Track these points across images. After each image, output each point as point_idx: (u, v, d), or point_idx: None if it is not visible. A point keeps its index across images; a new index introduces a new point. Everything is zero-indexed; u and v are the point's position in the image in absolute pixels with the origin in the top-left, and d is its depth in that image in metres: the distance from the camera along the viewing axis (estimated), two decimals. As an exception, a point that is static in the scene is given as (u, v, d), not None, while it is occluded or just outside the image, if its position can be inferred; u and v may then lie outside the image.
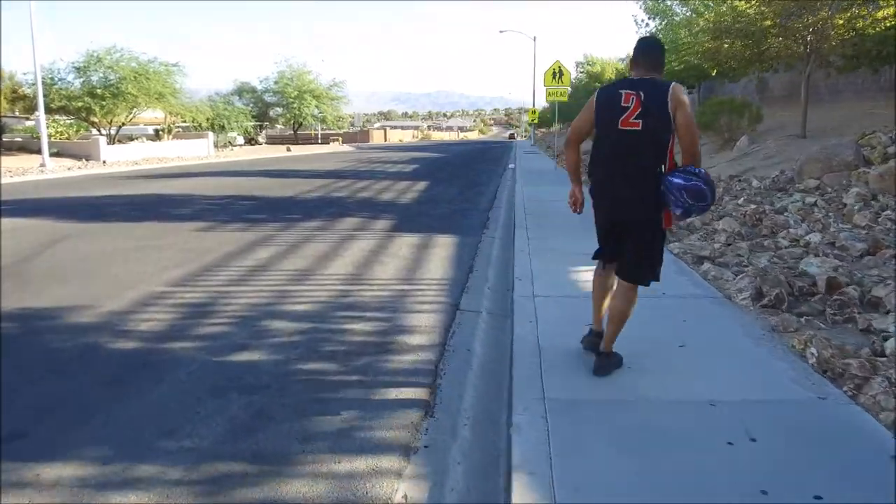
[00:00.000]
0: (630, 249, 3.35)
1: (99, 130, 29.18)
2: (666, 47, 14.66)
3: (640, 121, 3.09)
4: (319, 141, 58.31)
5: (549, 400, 3.14)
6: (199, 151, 33.00)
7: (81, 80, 27.89)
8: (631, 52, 3.33)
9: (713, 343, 3.99)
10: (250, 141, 49.95)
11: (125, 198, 12.67)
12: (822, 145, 9.13)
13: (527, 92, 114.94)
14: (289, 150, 42.49)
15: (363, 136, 70.76)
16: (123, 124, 29.77)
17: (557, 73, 20.61)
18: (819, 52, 12.25)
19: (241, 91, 53.27)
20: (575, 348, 3.84)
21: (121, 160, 26.71)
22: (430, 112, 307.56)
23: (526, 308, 4.70)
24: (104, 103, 26.43)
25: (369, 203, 12.05)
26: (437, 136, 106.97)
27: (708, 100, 16.60)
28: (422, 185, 15.88)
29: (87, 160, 25.68)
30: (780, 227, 6.93)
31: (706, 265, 5.95)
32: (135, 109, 28.56)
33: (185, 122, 34.92)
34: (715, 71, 15.18)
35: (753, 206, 7.77)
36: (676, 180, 3.08)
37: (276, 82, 51.38)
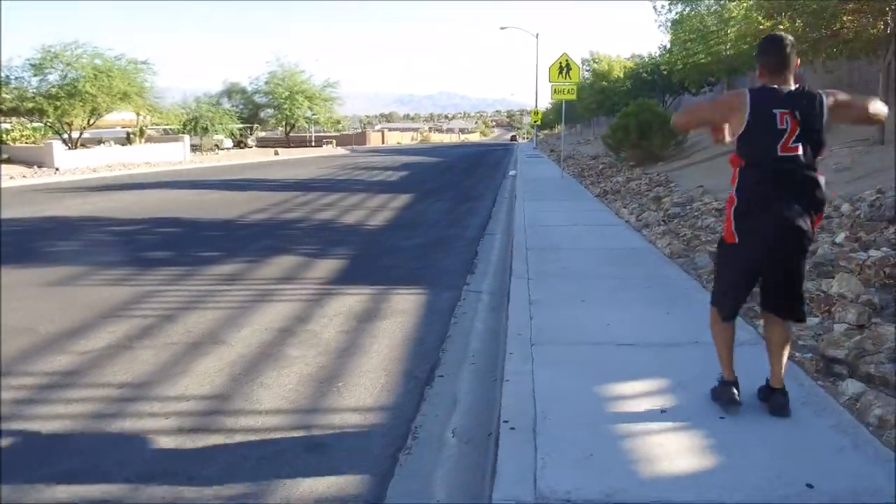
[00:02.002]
0: (784, 279, 2.76)
1: (59, 133, 26.55)
2: (692, 36, 11.41)
3: (799, 144, 2.58)
4: (313, 143, 55.69)
5: None
6: (173, 156, 30.31)
7: (38, 78, 25.27)
8: (760, 54, 2.73)
9: None
10: (239, 144, 47.33)
11: (8, 223, 9.91)
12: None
13: (529, 93, 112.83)
14: (276, 153, 39.89)
15: (360, 138, 68.13)
16: (85, 127, 27.08)
17: (564, 68, 17.83)
18: (902, 33, 9.51)
19: (230, 92, 50.70)
20: None
21: (79, 167, 24.07)
22: (431, 114, 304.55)
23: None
24: (58, 104, 23.73)
25: (325, 229, 9.33)
26: (437, 137, 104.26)
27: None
28: (404, 199, 13.17)
29: (38, 167, 23.04)
30: (942, 296, 4.20)
31: (848, 385, 3.25)
32: (96, 111, 25.84)
33: (156, 124, 32.27)
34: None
35: (878, 255, 5.02)
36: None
37: (266, 83, 48.84)
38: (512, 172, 20.90)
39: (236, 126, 43.65)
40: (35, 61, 25.12)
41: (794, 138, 2.57)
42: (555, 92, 18.28)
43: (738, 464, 2.52)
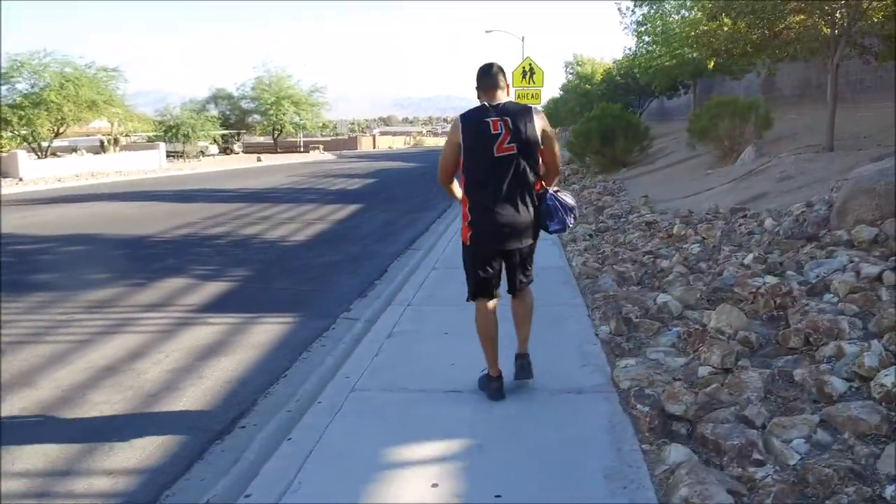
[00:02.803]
0: (519, 266, 3.30)
1: (29, 143, 26.20)
2: (656, 39, 10.98)
3: (514, 144, 3.06)
4: (301, 149, 55.32)
5: None
6: (148, 164, 29.95)
7: (6, 87, 24.97)
8: (477, 80, 3.23)
9: None
10: (226, 150, 46.96)
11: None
12: (880, 167, 5.90)
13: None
14: (259, 160, 39.55)
15: (350, 143, 67.80)
16: (54, 136, 26.73)
17: (528, 72, 17.41)
18: (850, 33, 9.10)
19: (216, 98, 50.41)
20: None
21: (45, 177, 23.70)
22: (430, 117, 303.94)
23: None
24: (23, 113, 23.37)
25: (241, 245, 8.91)
26: (432, 141, 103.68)
27: (707, 101, 13.48)
28: (350, 210, 12.77)
29: (3, 178, 22.68)
30: (822, 334, 3.73)
31: (671, 452, 2.77)
32: (63, 120, 25.48)
33: (132, 132, 31.90)
34: (712, 63, 12.05)
35: (772, 281, 4.59)
36: (568, 201, 3.24)
37: (252, 88, 48.56)
38: (481, 179, 20.48)
39: (219, 132, 43.28)
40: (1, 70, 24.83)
41: (507, 140, 3.03)
42: (518, 96, 17.88)
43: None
